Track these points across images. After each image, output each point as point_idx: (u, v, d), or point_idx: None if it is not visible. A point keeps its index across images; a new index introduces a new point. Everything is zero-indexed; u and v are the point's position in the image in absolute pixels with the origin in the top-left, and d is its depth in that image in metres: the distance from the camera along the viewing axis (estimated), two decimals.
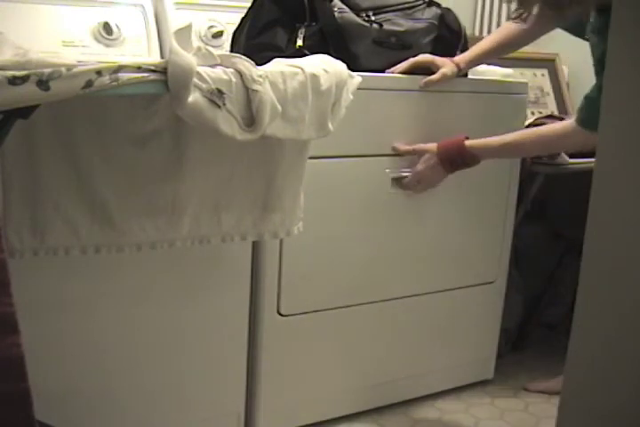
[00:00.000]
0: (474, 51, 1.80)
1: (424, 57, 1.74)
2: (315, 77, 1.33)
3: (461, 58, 1.77)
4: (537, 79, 2.50)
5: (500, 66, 2.06)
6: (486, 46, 1.81)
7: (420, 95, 1.73)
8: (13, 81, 1.00)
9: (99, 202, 1.30)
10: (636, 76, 0.84)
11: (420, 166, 1.73)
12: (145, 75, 1.12)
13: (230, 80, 1.23)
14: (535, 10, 1.54)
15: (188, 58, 1.17)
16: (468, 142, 1.71)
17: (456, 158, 1.71)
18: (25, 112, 1.07)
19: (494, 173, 1.90)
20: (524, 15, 1.58)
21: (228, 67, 1.25)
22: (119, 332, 1.49)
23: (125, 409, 1.53)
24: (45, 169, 1.25)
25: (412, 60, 1.72)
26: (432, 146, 1.73)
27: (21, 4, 1.78)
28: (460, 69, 1.76)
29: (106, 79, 1.07)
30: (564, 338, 1.03)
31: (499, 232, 1.98)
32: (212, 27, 1.97)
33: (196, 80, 1.17)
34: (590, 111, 1.56)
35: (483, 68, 2.03)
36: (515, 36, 1.81)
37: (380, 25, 1.72)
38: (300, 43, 1.66)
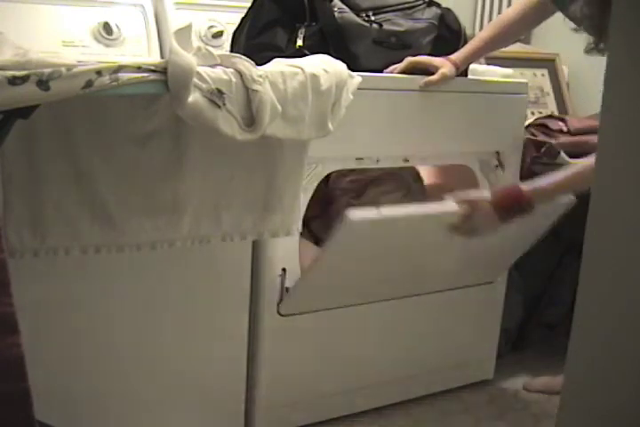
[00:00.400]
0: (469, 47, 1.77)
1: (422, 58, 1.72)
2: (315, 77, 1.33)
3: (458, 56, 1.75)
4: (537, 79, 2.50)
5: (500, 66, 2.07)
6: (481, 41, 1.78)
7: (419, 95, 1.73)
8: (13, 81, 1.00)
9: (99, 202, 1.30)
10: (636, 76, 0.84)
11: (474, 215, 1.60)
12: (145, 75, 1.12)
13: (230, 80, 1.23)
14: None
15: (188, 58, 1.17)
16: (524, 188, 1.61)
17: (513, 206, 1.59)
18: (25, 112, 1.08)
19: None
20: None
21: (228, 67, 1.25)
22: (119, 332, 1.49)
23: (125, 409, 1.53)
24: (45, 169, 1.25)
25: (409, 60, 1.71)
26: (485, 196, 1.63)
27: (21, 4, 1.78)
28: (457, 68, 1.75)
29: (106, 79, 1.08)
30: (564, 338, 1.02)
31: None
32: (211, 27, 1.98)
33: (196, 80, 1.17)
34: None
35: (483, 67, 2.03)
36: (510, 26, 1.79)
37: (380, 25, 1.72)
38: (300, 43, 1.66)
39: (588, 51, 1.68)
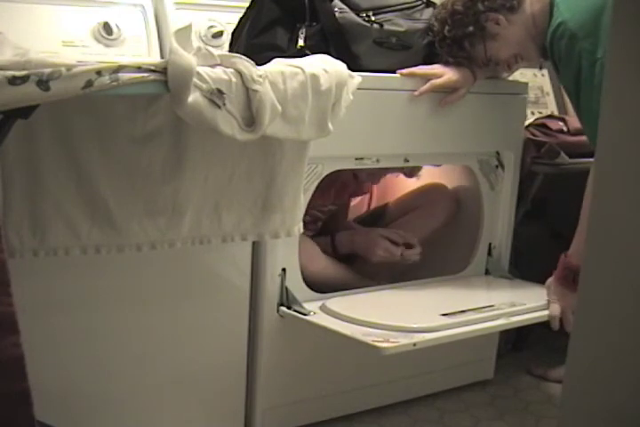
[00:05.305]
0: None
1: (447, 83, 1.72)
2: (315, 77, 1.33)
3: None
4: (537, 79, 2.50)
5: None
6: None
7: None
8: (13, 81, 1.00)
9: (99, 202, 1.30)
10: (636, 75, 0.84)
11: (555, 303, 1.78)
12: (145, 75, 1.12)
13: (230, 80, 1.23)
14: None
15: (188, 58, 1.17)
16: (569, 256, 1.74)
17: (574, 277, 1.71)
18: (25, 112, 1.08)
19: None
20: None
21: (228, 67, 1.25)
22: (119, 332, 1.49)
23: (125, 409, 1.53)
24: (45, 169, 1.25)
25: (434, 85, 1.70)
26: (554, 288, 1.79)
27: (21, 4, 1.78)
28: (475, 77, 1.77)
29: (106, 79, 1.08)
30: (564, 338, 1.02)
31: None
32: (211, 27, 1.97)
33: (195, 80, 1.17)
34: None
35: None
36: None
37: (381, 25, 1.72)
38: (301, 43, 1.66)
39: None
